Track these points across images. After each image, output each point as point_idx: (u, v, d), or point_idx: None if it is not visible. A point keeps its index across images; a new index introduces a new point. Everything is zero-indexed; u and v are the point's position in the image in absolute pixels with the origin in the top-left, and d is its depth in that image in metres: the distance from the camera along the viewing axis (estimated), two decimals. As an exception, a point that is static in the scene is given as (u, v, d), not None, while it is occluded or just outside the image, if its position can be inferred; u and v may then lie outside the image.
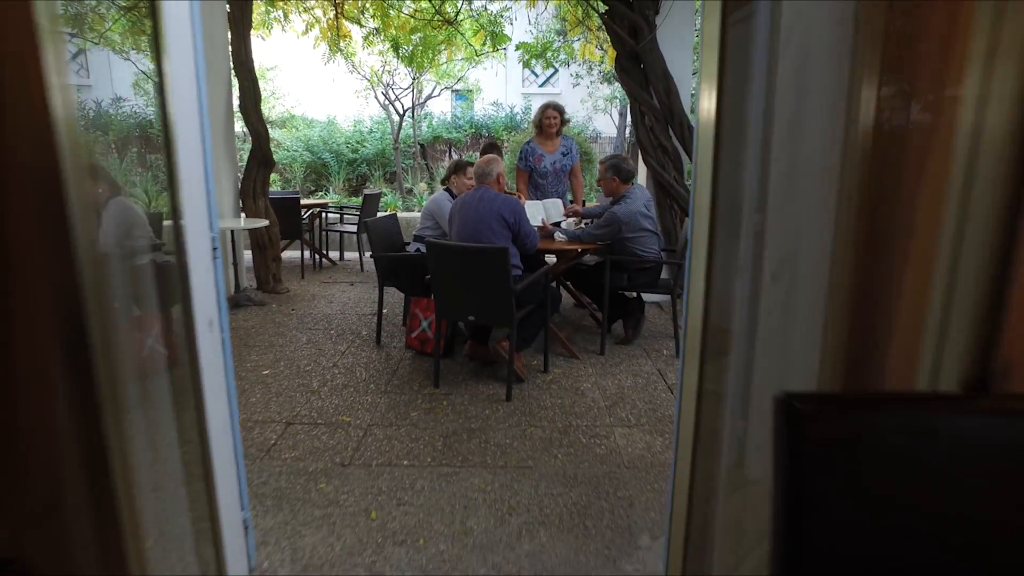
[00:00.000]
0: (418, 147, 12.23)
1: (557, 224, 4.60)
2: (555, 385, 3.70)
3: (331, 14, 8.16)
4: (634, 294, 4.46)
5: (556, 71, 10.77)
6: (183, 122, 1.51)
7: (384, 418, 3.26)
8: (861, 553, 0.83)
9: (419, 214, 7.59)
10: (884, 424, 0.83)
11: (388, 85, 10.83)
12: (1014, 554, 0.81)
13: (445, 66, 10.98)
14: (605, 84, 12.04)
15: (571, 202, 5.22)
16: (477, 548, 2.20)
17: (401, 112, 11.31)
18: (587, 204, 5.55)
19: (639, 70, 5.29)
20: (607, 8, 5.29)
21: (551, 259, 4.19)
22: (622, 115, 12.30)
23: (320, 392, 3.56)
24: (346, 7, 7.99)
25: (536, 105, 13.45)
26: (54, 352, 1.10)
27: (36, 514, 1.08)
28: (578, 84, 11.53)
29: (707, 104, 1.39)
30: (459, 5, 7.47)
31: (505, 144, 11.81)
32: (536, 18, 9.27)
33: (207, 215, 1.65)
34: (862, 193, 1.21)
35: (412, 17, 7.75)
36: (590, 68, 11.19)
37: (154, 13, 1.41)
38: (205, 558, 1.70)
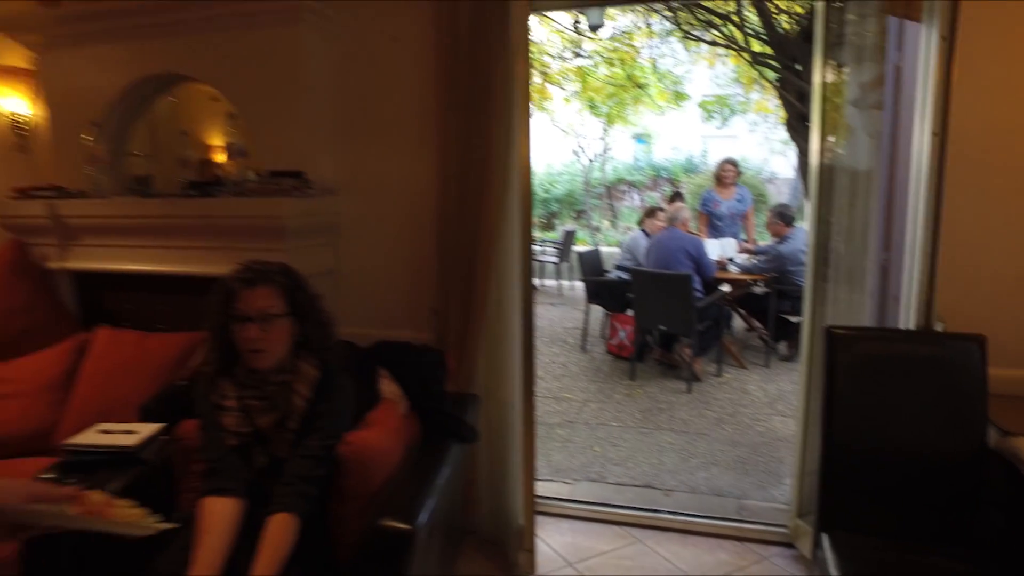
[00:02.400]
0: (604, 188, 13.56)
1: (731, 259, 5.57)
2: (726, 385, 4.68)
3: (539, 80, 9.78)
4: (796, 318, 5.29)
5: (734, 114, 11.55)
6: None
7: (595, 397, 4.46)
8: (858, 421, 1.85)
9: (607, 248, 8.83)
10: (872, 346, 1.86)
11: (579, 135, 12.29)
12: (933, 417, 1.79)
13: (633, 118, 12.23)
14: (780, 129, 12.55)
15: (744, 241, 6.15)
16: (668, 471, 3.31)
17: (590, 158, 12.73)
18: (758, 243, 6.42)
19: (807, 128, 6.13)
20: (778, 76, 6.22)
21: (726, 287, 5.17)
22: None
23: (545, 378, 4.85)
24: (551, 74, 9.56)
25: (714, 148, 14.24)
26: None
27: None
28: (754, 130, 12.21)
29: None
30: (647, 71, 8.70)
31: (683, 186, 12.75)
32: (716, 77, 10.22)
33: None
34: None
35: (607, 83, 9.12)
36: (765, 116, 11.82)
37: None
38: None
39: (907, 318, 2.00)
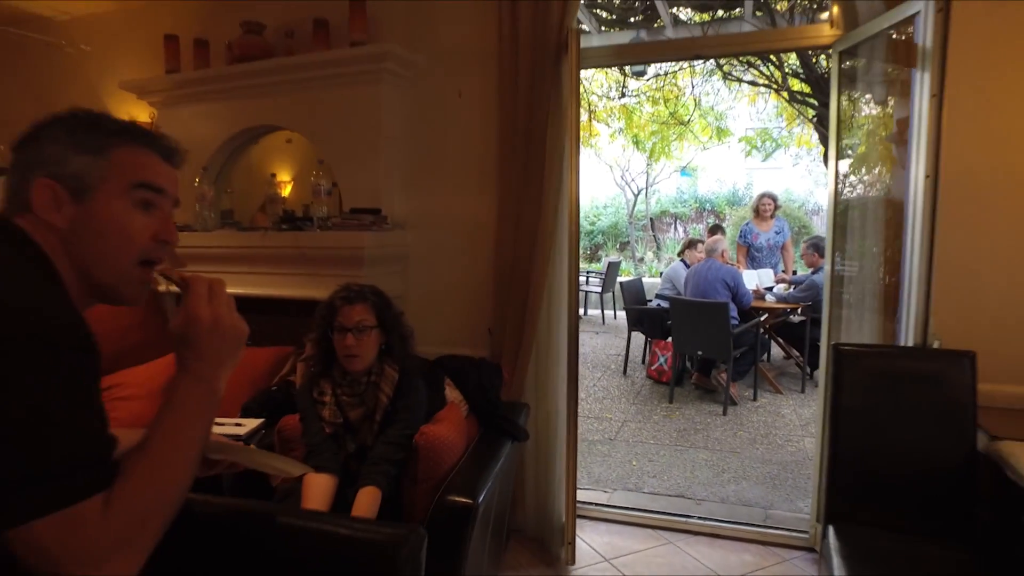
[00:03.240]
0: (648, 221, 13.83)
1: (769, 288, 5.79)
2: (761, 409, 4.89)
3: (585, 117, 10.21)
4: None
5: (777, 147, 11.73)
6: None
7: (634, 417, 4.73)
8: (860, 426, 2.11)
9: (650, 279, 9.08)
10: (875, 361, 2.13)
11: (624, 169, 12.65)
12: (928, 424, 2.04)
13: (676, 153, 12.54)
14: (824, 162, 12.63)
15: (782, 271, 6.35)
16: (700, 484, 3.56)
17: (635, 192, 13.05)
18: (795, 274, 6.61)
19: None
20: (816, 113, 6.47)
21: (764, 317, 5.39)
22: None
23: (587, 400, 5.14)
24: (598, 112, 9.98)
25: (758, 180, 14.37)
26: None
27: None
28: (797, 163, 12.35)
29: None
30: (691, 109, 9.03)
31: (728, 218, 12.92)
32: (757, 113, 10.47)
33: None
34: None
35: (651, 119, 9.48)
36: (808, 150, 11.96)
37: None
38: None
39: (907, 336, 2.26)
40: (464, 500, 1.87)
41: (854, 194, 2.84)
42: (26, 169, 0.89)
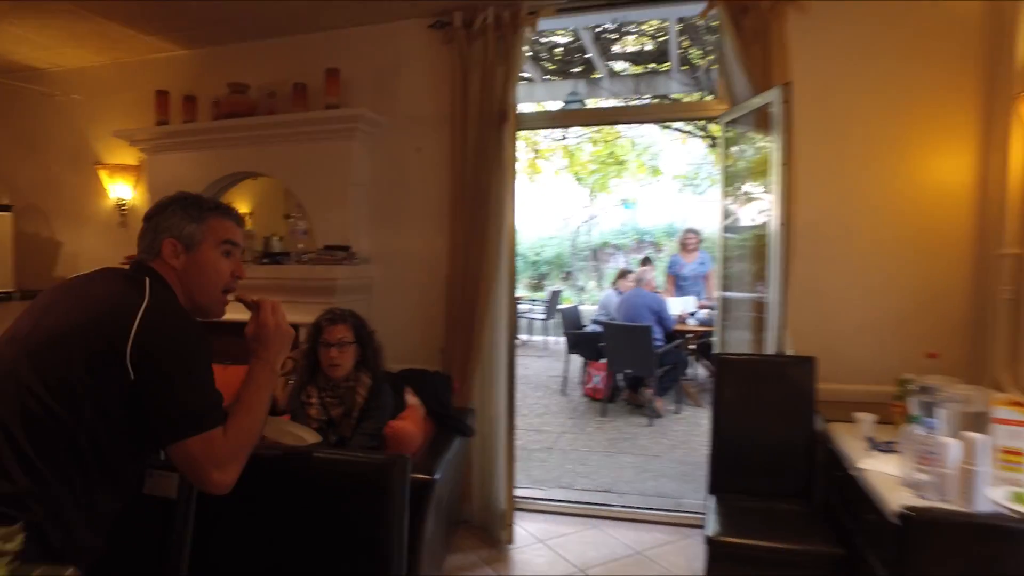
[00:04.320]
0: (590, 252, 14.61)
1: (692, 313, 6.48)
2: (683, 420, 5.52)
3: (531, 155, 10.92)
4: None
5: (712, 184, 12.72)
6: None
7: (570, 430, 5.29)
8: (735, 417, 2.72)
9: (591, 306, 9.73)
10: (745, 366, 2.75)
11: (567, 204, 13.41)
12: (782, 412, 2.66)
13: (616, 188, 13.40)
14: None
15: (705, 298, 7.08)
16: (625, 481, 4.13)
17: (577, 224, 13.82)
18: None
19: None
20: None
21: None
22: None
23: (528, 416, 5.68)
24: (541, 151, 10.70)
25: (693, 214, 15.35)
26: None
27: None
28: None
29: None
30: (628, 149, 9.84)
31: (665, 249, 13.79)
32: (688, 153, 11.39)
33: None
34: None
35: (592, 159, 10.25)
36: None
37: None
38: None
39: (769, 346, 2.89)
40: (424, 476, 2.38)
41: (737, 236, 3.50)
42: (157, 231, 1.40)
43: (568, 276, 14.35)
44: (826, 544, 2.21)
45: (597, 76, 7.44)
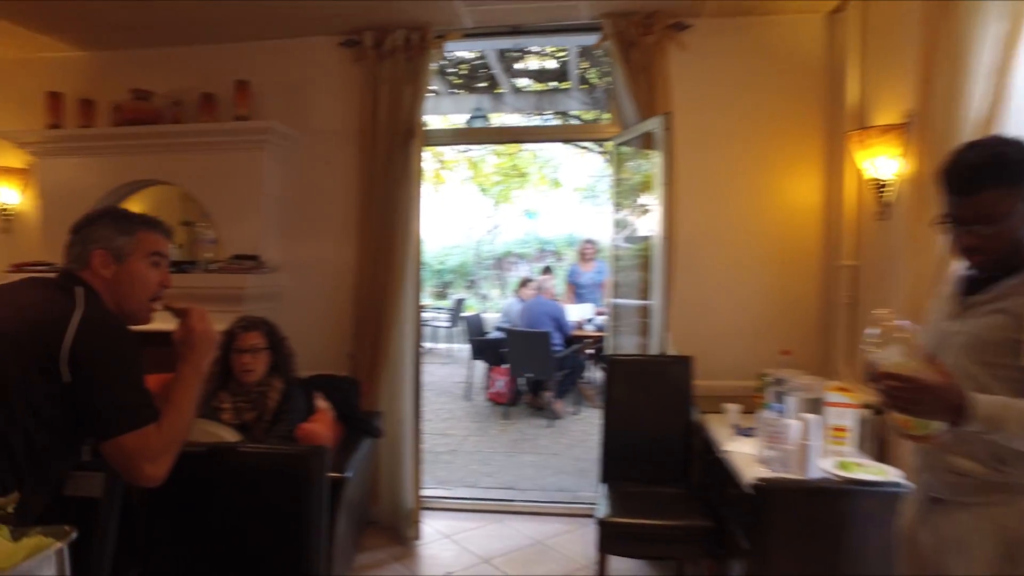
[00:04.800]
0: (494, 260, 14.91)
1: (590, 320, 6.86)
2: (582, 421, 5.85)
3: (437, 166, 11.08)
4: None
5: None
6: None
7: (475, 433, 5.50)
8: (622, 411, 3.02)
9: (494, 314, 9.99)
10: (632, 365, 3.06)
11: (472, 213, 13.67)
12: (664, 406, 2.99)
13: (518, 199, 13.80)
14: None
15: (602, 305, 7.50)
16: (526, 478, 4.37)
17: (482, 234, 14.09)
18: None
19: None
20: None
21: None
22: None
23: (434, 420, 5.82)
24: (446, 161, 10.89)
25: (592, 222, 16.01)
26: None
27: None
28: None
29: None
30: (529, 162, 10.21)
31: (566, 258, 14.30)
32: (587, 166, 11.94)
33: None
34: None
35: (495, 171, 10.55)
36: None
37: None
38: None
39: (653, 347, 3.23)
40: (336, 475, 2.50)
41: (628, 247, 3.84)
42: (86, 243, 1.48)
43: (472, 285, 14.58)
44: (699, 519, 2.53)
45: (501, 91, 7.74)
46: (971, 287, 1.44)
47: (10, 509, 1.15)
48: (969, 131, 1.84)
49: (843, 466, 2.08)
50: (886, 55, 2.73)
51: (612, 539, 2.57)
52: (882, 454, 2.35)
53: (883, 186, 2.60)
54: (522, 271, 15.56)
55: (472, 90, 7.97)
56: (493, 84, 7.64)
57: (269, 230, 3.56)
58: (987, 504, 1.36)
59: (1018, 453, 1.29)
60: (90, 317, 1.36)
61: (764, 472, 2.15)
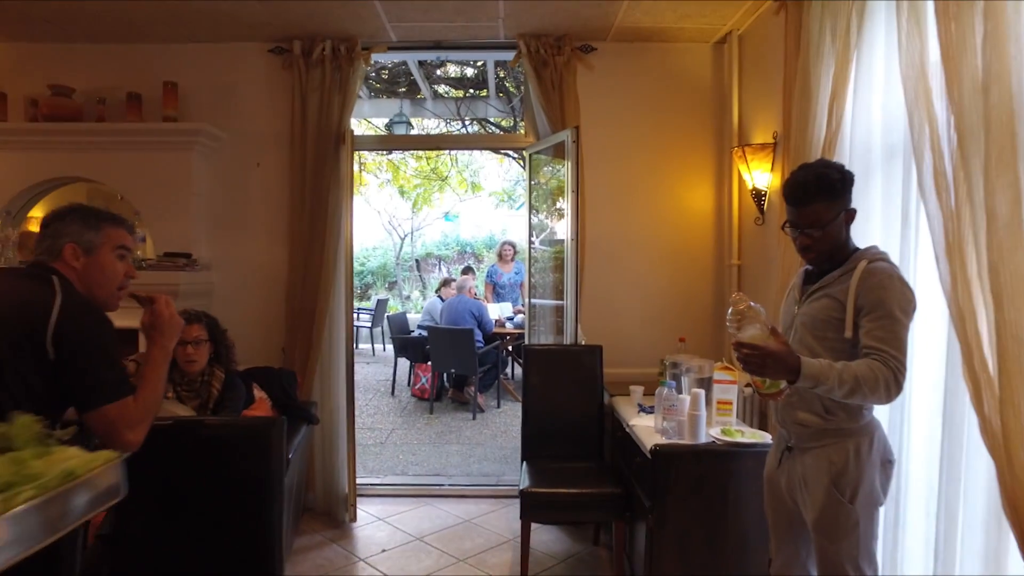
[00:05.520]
0: (414, 262, 15.03)
1: (509, 318, 7.18)
2: (503, 414, 6.16)
3: (357, 168, 11.12)
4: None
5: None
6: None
7: (401, 426, 5.69)
8: (540, 396, 3.34)
9: (415, 314, 10.16)
10: (548, 354, 3.38)
11: (392, 216, 13.75)
12: (578, 391, 3.32)
13: (438, 202, 13.99)
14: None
15: (520, 304, 7.84)
16: (453, 466, 4.63)
17: (402, 235, 14.19)
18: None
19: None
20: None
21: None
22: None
23: (361, 416, 5.97)
24: (367, 164, 10.96)
25: (511, 227, 16.43)
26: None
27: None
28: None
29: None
30: (449, 166, 10.43)
31: (485, 259, 14.61)
32: (505, 172, 12.31)
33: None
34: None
35: (416, 173, 10.71)
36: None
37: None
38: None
39: (567, 338, 3.56)
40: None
41: (544, 249, 4.17)
42: (56, 237, 1.63)
43: (392, 286, 14.64)
44: (609, 487, 2.87)
45: (421, 97, 7.95)
46: (809, 279, 1.83)
47: (66, 438, 1.30)
48: (816, 150, 2.26)
49: (726, 432, 2.47)
50: (759, 83, 3.18)
51: (533, 508, 2.87)
52: (762, 423, 2.76)
53: (761, 196, 3.03)
54: (442, 273, 15.78)
55: (392, 95, 8.14)
56: (413, 89, 7.84)
57: (199, 229, 3.65)
58: (821, 447, 1.74)
59: (839, 404, 1.68)
60: (70, 302, 1.52)
61: (661, 440, 2.51)
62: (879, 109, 2.14)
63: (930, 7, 1.68)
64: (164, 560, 1.75)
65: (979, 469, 1.68)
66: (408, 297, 14.02)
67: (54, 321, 1.47)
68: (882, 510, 1.79)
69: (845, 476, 1.68)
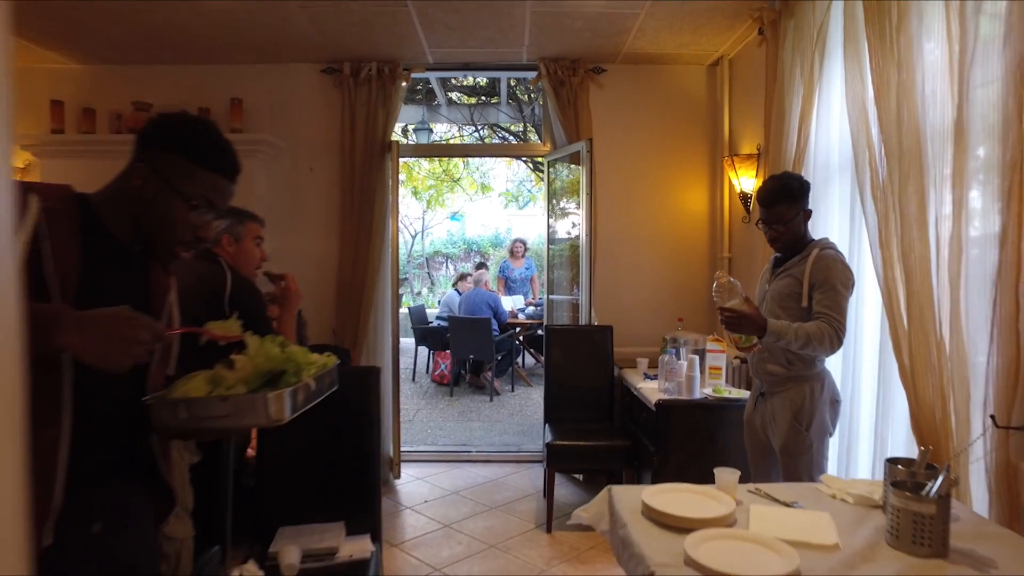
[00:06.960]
0: (424, 259, 15.60)
1: (521, 309, 7.74)
2: (517, 397, 6.72)
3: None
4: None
5: (533, 200, 14.40)
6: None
7: (424, 407, 6.25)
8: (561, 370, 3.89)
9: (431, 308, 10.70)
10: (567, 333, 3.95)
11: (403, 215, 14.32)
12: (592, 366, 3.88)
13: (450, 202, 14.55)
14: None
15: (531, 297, 8.41)
16: (477, 438, 5.18)
17: (413, 234, 14.75)
18: (539, 299, 8.72)
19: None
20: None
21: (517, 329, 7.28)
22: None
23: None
24: (380, 165, 11.50)
25: (516, 226, 16.99)
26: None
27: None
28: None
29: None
30: (460, 168, 10.98)
31: (491, 257, 15.17)
32: (513, 173, 12.86)
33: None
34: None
35: (428, 175, 11.26)
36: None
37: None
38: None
39: (583, 320, 4.12)
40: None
41: (562, 240, 4.73)
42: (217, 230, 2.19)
43: (403, 282, 15.21)
44: (620, 440, 3.43)
45: (437, 104, 8.50)
46: (777, 263, 2.38)
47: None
48: (788, 162, 2.81)
49: (717, 391, 3.03)
50: (746, 102, 3.74)
51: (557, 459, 3.43)
52: (747, 384, 3.32)
53: (747, 198, 3.59)
54: (449, 270, 16.35)
55: (410, 101, 8.70)
56: (430, 96, 8.39)
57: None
58: (785, 390, 2.30)
59: (798, 356, 2.23)
60: (237, 277, 2.08)
61: (663, 397, 3.07)
62: (837, 131, 2.69)
63: (867, 57, 2.24)
64: (297, 498, 2.29)
65: (902, 402, 2.24)
66: (419, 293, 14.56)
67: (229, 289, 2.03)
68: (835, 439, 2.35)
69: (803, 411, 2.24)
